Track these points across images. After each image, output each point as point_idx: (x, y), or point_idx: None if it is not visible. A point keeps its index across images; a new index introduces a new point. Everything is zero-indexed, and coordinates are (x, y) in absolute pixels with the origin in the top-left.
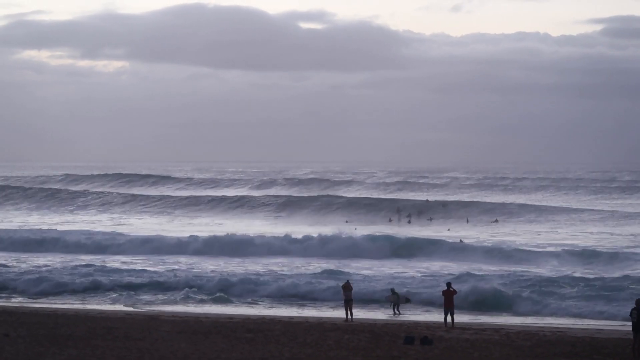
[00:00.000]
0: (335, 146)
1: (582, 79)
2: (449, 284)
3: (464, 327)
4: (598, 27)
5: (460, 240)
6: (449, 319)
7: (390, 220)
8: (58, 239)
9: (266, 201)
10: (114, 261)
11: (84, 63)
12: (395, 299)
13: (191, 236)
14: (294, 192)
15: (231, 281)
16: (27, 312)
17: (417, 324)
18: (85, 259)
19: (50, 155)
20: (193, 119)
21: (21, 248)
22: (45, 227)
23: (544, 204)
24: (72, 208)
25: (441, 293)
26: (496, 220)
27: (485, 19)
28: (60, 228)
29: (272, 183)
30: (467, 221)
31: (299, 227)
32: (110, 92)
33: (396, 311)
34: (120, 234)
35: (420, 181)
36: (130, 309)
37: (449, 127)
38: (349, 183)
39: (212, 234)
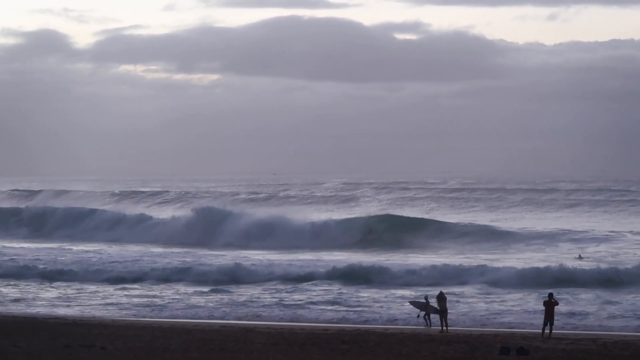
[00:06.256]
0: (431, 157)
1: None
2: (550, 295)
3: (560, 337)
4: None
5: (579, 255)
6: (547, 329)
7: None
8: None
9: None
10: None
11: (179, 77)
12: (426, 307)
13: None
14: None
15: None
16: (123, 325)
17: (513, 335)
18: None
19: (145, 169)
20: (287, 131)
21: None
22: None
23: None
24: None
25: (542, 303)
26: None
27: (577, 27)
28: None
29: None
30: None
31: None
32: (204, 105)
33: (427, 320)
34: None
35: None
36: (225, 321)
37: (545, 136)
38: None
39: None
